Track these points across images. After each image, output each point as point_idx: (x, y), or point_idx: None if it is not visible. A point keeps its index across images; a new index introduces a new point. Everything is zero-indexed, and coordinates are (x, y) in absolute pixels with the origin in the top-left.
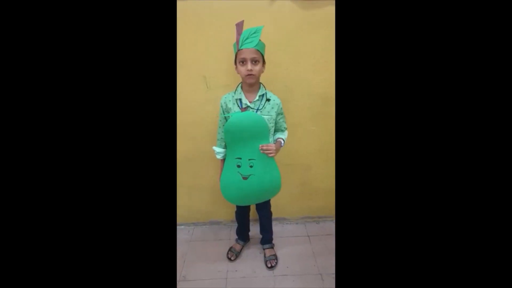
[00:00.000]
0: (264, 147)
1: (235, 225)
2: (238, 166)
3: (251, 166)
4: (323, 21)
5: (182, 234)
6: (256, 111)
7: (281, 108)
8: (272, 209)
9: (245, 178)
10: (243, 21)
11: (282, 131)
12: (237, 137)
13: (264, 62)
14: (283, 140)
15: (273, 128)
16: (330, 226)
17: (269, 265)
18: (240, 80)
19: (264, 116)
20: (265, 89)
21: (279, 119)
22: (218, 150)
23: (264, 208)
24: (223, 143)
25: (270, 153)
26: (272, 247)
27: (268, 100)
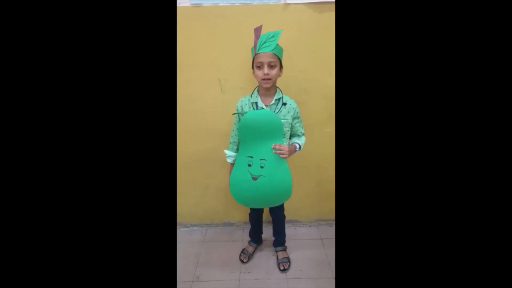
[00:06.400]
0: (277, 147)
1: (248, 227)
2: (249, 165)
3: (261, 167)
4: None
5: (196, 235)
6: None
7: (298, 113)
8: (285, 211)
9: (254, 178)
10: (261, 25)
11: (299, 136)
12: (251, 134)
13: (281, 66)
14: (299, 145)
15: (288, 133)
16: None
17: (282, 268)
18: (257, 83)
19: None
20: (282, 93)
21: (295, 123)
22: (229, 154)
23: (277, 211)
24: (235, 147)
25: (282, 154)
26: (284, 250)
27: (284, 104)
